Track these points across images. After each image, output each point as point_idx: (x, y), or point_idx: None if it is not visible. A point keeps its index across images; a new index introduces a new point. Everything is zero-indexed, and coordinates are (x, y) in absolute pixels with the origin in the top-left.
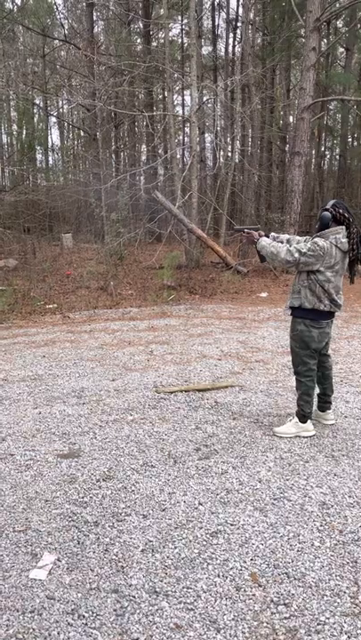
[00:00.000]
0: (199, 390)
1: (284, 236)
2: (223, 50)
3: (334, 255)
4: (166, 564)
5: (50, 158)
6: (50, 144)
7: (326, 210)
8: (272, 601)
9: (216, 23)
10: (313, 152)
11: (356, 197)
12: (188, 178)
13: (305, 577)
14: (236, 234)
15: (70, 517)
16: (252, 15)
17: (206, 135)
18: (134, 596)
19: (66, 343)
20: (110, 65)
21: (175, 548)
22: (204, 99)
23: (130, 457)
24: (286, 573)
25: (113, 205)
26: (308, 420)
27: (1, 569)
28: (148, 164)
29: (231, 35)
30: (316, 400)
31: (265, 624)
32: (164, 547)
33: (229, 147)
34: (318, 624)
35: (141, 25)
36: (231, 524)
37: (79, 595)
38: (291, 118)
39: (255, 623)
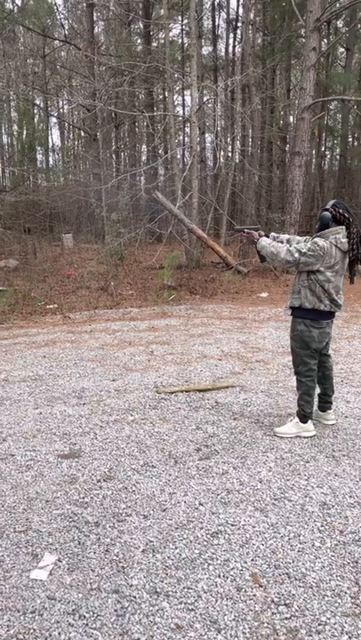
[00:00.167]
0: (200, 390)
1: (285, 236)
2: (223, 50)
3: (334, 255)
4: (167, 565)
5: (50, 159)
6: (50, 144)
7: (326, 210)
8: (273, 601)
9: (216, 23)
10: (313, 152)
11: (356, 197)
12: (188, 178)
13: (306, 577)
14: (236, 234)
15: (71, 518)
16: (252, 15)
17: (206, 135)
18: (135, 597)
19: (66, 343)
20: (110, 65)
21: (176, 548)
22: (205, 99)
23: (130, 457)
24: (287, 574)
25: (113, 205)
26: (309, 421)
27: (2, 569)
28: (149, 164)
29: (231, 35)
30: (316, 400)
31: (266, 624)
32: (164, 547)
33: (230, 147)
34: (319, 624)
35: (142, 25)
36: (232, 525)
37: (80, 595)
38: (291, 118)
39: (256, 623)
